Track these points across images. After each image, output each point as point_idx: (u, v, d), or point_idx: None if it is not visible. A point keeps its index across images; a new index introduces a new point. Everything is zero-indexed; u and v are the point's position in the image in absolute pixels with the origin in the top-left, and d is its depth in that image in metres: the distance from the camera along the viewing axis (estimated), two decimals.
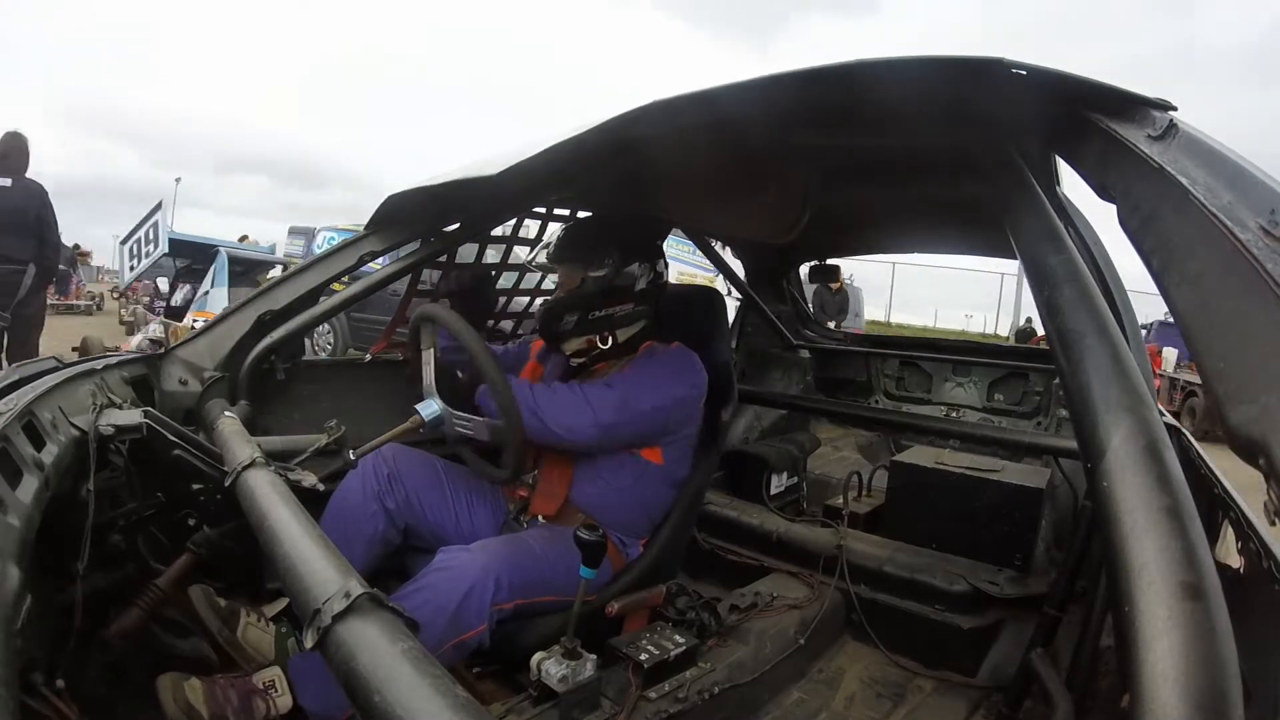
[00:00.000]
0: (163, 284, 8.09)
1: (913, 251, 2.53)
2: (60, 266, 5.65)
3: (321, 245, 8.13)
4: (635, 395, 1.33)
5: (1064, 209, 1.07)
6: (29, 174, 3.62)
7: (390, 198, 1.44)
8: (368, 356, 1.68)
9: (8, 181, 3.49)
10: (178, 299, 6.95)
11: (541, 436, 1.29)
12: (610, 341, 1.44)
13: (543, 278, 1.98)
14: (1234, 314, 0.50)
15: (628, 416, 1.32)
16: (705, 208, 1.82)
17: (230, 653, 1.13)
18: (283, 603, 1.24)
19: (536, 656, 1.09)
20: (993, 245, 2.10)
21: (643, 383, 1.35)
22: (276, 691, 1.07)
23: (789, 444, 2.29)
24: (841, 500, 1.96)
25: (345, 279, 1.50)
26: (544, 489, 1.40)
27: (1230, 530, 0.88)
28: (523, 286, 1.97)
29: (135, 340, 6.06)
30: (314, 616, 0.56)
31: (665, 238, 1.87)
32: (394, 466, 1.35)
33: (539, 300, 1.97)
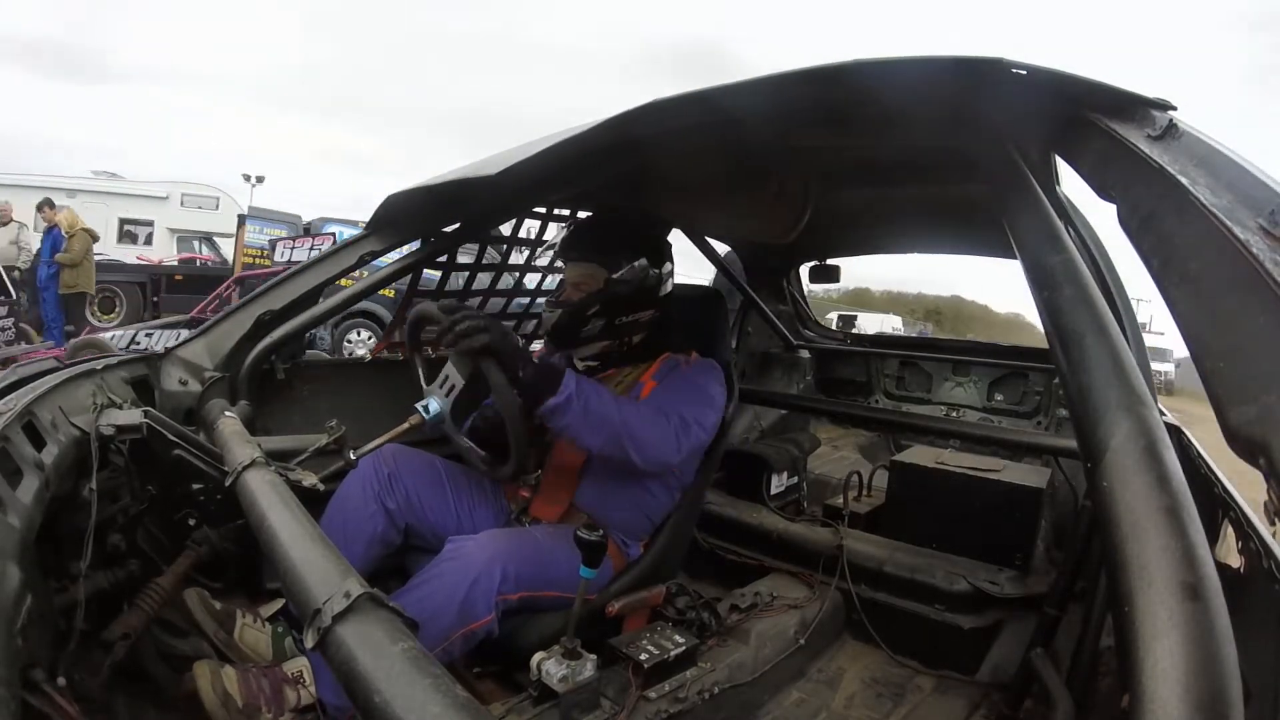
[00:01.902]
0: None
1: (913, 251, 2.52)
2: None
3: None
4: (702, 416, 1.31)
5: (1064, 209, 1.07)
6: None
7: (390, 197, 1.44)
8: (368, 356, 1.68)
9: None
10: None
11: (612, 454, 1.22)
12: (625, 347, 1.43)
13: (542, 279, 1.98)
14: (1234, 314, 0.50)
15: (692, 443, 1.29)
16: (705, 208, 1.82)
17: (228, 654, 1.13)
18: (279, 603, 1.24)
19: (536, 656, 1.09)
20: (993, 245, 2.10)
21: (701, 401, 1.33)
22: (305, 681, 1.08)
23: (789, 444, 2.29)
24: (841, 500, 1.96)
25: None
26: (547, 494, 1.40)
27: (1230, 530, 0.88)
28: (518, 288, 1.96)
29: None
30: (314, 617, 0.56)
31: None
32: (394, 466, 1.35)
33: (538, 300, 1.97)
